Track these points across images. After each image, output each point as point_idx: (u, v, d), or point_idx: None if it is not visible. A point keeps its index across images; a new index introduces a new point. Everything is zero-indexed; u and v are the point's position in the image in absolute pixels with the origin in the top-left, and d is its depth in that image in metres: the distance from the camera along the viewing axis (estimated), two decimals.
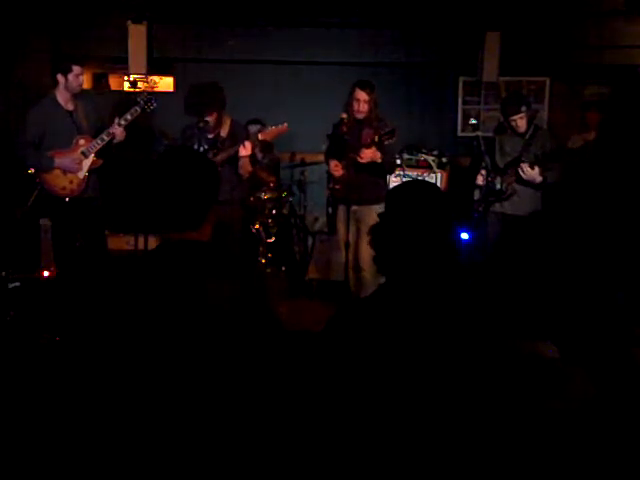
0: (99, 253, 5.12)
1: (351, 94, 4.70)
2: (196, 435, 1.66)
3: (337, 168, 4.81)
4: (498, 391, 1.58)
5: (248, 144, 4.77)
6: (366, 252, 4.63)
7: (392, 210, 1.86)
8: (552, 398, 1.54)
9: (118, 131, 4.91)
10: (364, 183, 4.71)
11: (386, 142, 4.56)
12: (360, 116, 4.69)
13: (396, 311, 1.76)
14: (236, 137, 4.89)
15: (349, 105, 4.71)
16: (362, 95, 4.65)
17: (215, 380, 1.68)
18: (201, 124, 4.83)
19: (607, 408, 1.52)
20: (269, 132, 4.86)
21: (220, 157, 4.79)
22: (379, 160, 4.64)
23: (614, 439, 1.49)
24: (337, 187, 4.84)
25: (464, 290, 1.82)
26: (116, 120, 4.92)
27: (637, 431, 1.51)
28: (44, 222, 5.44)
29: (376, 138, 4.55)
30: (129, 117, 4.91)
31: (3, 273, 4.67)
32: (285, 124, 4.85)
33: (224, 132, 4.93)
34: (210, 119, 4.83)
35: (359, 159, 4.61)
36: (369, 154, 4.59)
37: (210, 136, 4.91)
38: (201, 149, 4.86)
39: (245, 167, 4.89)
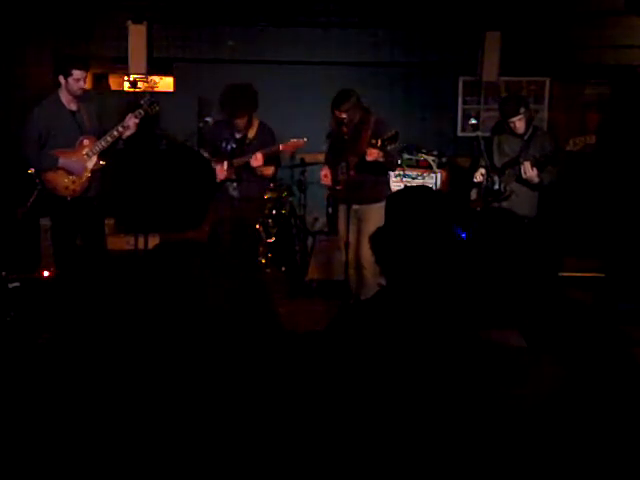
0: (99, 253, 5.12)
1: (332, 114, 4.74)
2: (195, 435, 1.66)
3: (326, 179, 4.90)
4: (467, 383, 1.59)
5: (259, 156, 4.90)
6: (367, 251, 4.63)
7: (392, 217, 1.86)
8: (517, 385, 1.55)
9: (132, 122, 4.87)
10: (365, 182, 4.73)
11: (389, 147, 4.58)
12: (351, 125, 4.72)
13: (396, 315, 1.77)
14: (262, 139, 5.04)
15: (333, 120, 4.74)
16: (340, 114, 4.69)
17: (214, 380, 1.69)
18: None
19: (579, 390, 1.52)
20: (289, 144, 5.03)
21: (237, 161, 4.96)
22: (382, 160, 4.65)
23: (590, 424, 1.50)
24: (338, 188, 4.86)
25: (463, 292, 1.82)
26: (129, 115, 4.91)
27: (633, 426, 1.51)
28: (44, 222, 5.45)
29: (378, 142, 4.57)
30: (142, 112, 4.91)
31: (3, 273, 4.67)
32: (305, 139, 5.03)
33: (251, 133, 5.08)
34: (241, 122, 4.97)
35: (367, 157, 4.60)
36: (375, 154, 4.58)
37: (238, 136, 5.05)
38: (228, 147, 5.03)
39: (262, 172, 5.07)
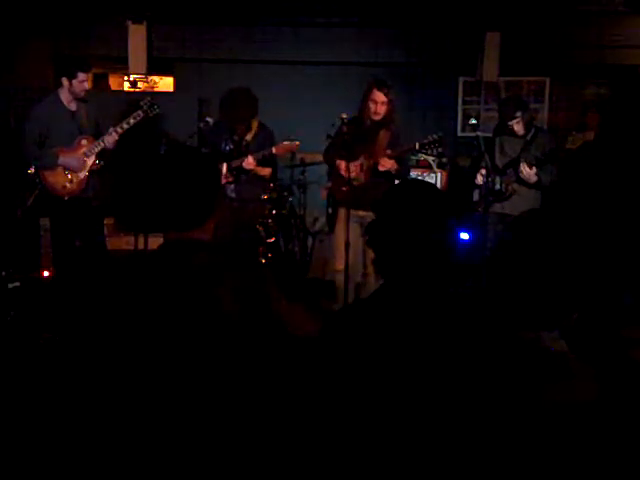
0: (98, 253, 5.12)
1: (366, 94, 4.54)
2: (195, 434, 1.66)
3: (345, 171, 4.53)
4: (496, 386, 1.58)
5: (251, 159, 4.91)
6: (371, 257, 4.56)
7: (387, 209, 1.85)
8: (554, 391, 1.53)
9: (110, 140, 4.90)
10: (370, 189, 4.50)
11: (436, 151, 4.58)
12: (377, 117, 4.54)
13: (393, 313, 1.76)
14: (261, 141, 5.04)
15: (364, 106, 4.55)
16: (380, 96, 4.50)
17: (217, 380, 1.68)
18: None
19: (608, 410, 1.51)
20: (282, 147, 5.00)
21: (234, 163, 4.96)
22: (394, 171, 4.54)
23: (614, 440, 1.49)
24: (344, 189, 4.61)
25: (461, 291, 1.81)
26: (111, 129, 4.91)
27: (636, 433, 1.51)
28: (44, 222, 5.44)
29: (417, 145, 4.53)
30: (125, 126, 4.91)
31: (3, 273, 4.67)
32: (298, 142, 5.00)
33: (250, 136, 5.07)
34: (239, 125, 4.99)
35: (379, 167, 4.49)
36: (388, 165, 4.49)
37: (236, 138, 5.06)
38: (227, 148, 5.04)
39: (257, 173, 5.06)
